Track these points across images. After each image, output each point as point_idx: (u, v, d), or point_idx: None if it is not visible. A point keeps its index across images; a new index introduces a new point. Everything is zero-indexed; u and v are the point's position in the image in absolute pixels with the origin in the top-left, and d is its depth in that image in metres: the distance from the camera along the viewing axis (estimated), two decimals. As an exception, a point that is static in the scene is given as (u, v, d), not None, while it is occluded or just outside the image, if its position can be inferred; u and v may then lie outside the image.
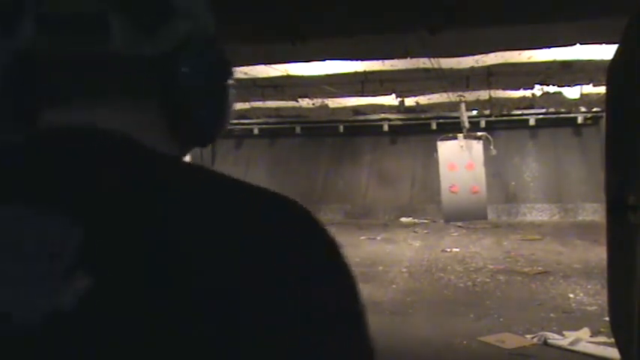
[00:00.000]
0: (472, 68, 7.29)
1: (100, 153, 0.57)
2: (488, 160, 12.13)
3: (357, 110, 12.08)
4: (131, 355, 0.48)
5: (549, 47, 5.95)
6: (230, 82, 0.68)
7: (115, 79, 0.61)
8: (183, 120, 0.63)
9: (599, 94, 9.02)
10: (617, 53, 2.91)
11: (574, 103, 11.13)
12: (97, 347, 0.47)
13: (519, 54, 6.50)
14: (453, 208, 10.87)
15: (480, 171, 10.87)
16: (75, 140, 0.58)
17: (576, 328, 5.00)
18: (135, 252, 0.50)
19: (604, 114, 4.84)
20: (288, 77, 7.82)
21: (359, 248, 9.44)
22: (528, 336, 4.89)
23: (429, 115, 12.90)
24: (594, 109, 12.16)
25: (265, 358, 0.49)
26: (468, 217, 11.21)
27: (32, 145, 0.58)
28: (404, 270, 7.84)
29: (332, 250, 0.55)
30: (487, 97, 10.00)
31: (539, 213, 13.56)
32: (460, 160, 10.82)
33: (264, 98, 9.92)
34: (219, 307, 0.49)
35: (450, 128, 11.88)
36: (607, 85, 3.38)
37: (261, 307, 0.50)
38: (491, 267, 8.02)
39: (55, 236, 0.50)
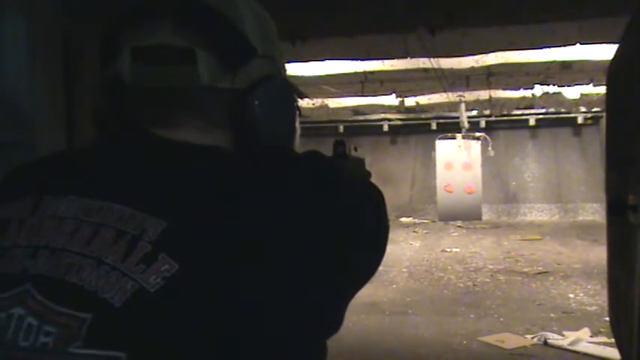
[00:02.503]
0: (472, 68, 7.28)
1: (180, 158, 0.65)
2: (488, 161, 12.14)
3: (357, 110, 12.07)
4: (214, 331, 0.53)
5: (549, 47, 5.94)
6: (295, 109, 0.80)
7: (196, 105, 0.70)
8: (250, 141, 0.72)
9: (599, 94, 9.02)
10: (618, 53, 2.91)
11: (574, 103, 11.13)
12: (182, 321, 0.53)
13: (519, 54, 6.49)
14: (448, 207, 10.88)
15: (477, 171, 10.87)
16: (164, 148, 0.66)
17: (576, 328, 5.00)
18: (215, 242, 0.56)
19: (604, 114, 4.84)
20: (288, 77, 7.80)
21: (359, 248, 9.41)
22: (528, 336, 4.88)
23: (428, 115, 12.89)
24: (594, 109, 12.16)
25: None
26: (462, 216, 11.22)
27: (131, 151, 0.67)
28: (404, 270, 7.84)
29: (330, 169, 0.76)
30: (487, 97, 9.99)
31: (539, 213, 13.57)
32: (457, 160, 10.82)
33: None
34: (287, 288, 0.58)
35: (450, 128, 11.90)
36: (607, 85, 3.38)
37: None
38: (491, 267, 8.01)
39: (138, 227, 0.56)
